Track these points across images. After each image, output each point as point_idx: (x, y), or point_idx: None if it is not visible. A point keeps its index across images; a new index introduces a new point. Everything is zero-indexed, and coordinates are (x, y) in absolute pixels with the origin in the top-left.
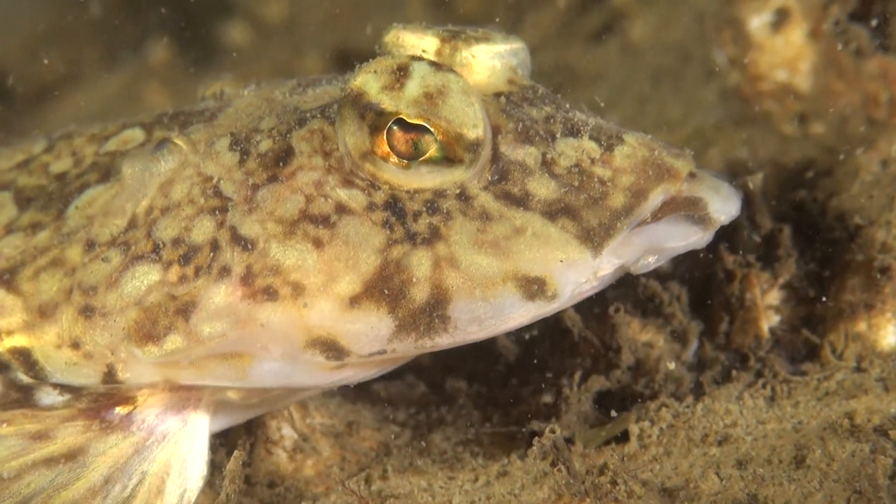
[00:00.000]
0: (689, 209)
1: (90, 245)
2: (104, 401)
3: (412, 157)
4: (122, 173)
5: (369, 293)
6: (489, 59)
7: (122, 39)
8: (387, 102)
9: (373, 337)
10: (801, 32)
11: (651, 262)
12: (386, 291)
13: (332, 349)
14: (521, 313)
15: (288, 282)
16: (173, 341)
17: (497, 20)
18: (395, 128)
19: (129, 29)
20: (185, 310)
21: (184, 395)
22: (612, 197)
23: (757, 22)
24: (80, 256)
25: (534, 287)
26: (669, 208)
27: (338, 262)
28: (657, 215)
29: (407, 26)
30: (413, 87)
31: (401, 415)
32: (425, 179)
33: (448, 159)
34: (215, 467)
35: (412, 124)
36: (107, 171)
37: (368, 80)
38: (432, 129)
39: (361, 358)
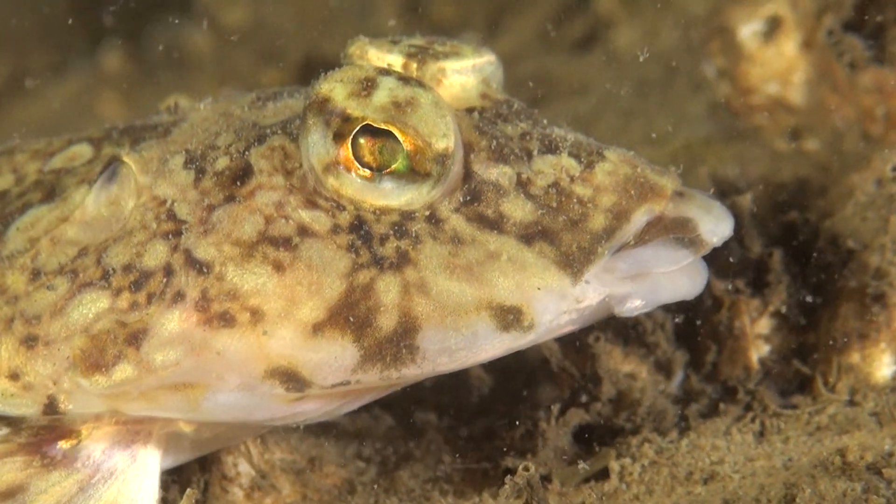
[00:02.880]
0: (678, 231)
1: (35, 274)
2: (45, 434)
3: (377, 167)
4: (74, 201)
5: (333, 320)
6: (460, 74)
7: (73, 45)
8: (353, 108)
9: (336, 367)
10: (794, 43)
11: (638, 306)
12: (351, 319)
13: (293, 380)
14: (494, 345)
15: (246, 307)
16: (123, 370)
17: (473, 28)
18: (360, 138)
19: (81, 34)
20: (136, 337)
21: (133, 429)
22: (593, 218)
23: (748, 31)
24: (24, 285)
25: (509, 317)
26: (657, 230)
27: (300, 286)
28: (643, 238)
29: (373, 41)
30: (381, 96)
31: (367, 450)
32: (391, 196)
33: (414, 171)
34: None
35: (379, 131)
36: (51, 190)
37: (335, 87)
38: (399, 137)
39: (323, 389)
